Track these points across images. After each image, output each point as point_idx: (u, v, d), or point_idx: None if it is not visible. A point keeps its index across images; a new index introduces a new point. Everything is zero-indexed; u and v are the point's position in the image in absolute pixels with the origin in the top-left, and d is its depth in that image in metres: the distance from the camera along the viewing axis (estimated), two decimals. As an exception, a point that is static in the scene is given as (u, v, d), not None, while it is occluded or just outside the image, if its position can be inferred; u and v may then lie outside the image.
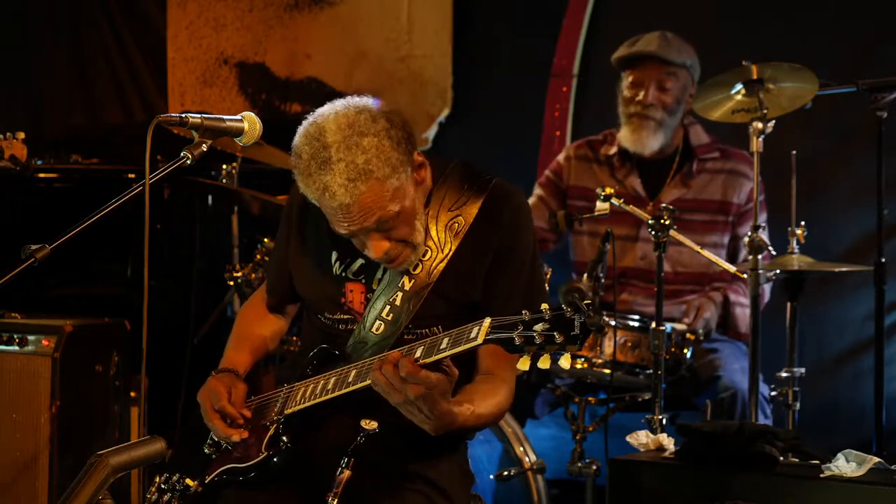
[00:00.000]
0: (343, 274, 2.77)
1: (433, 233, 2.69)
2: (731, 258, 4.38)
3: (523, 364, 2.28)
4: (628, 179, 4.45)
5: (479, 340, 2.33)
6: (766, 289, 4.31)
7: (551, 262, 4.34)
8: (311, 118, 2.59)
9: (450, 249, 2.67)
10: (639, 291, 4.38)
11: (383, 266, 2.70)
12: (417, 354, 2.43)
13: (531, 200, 4.58)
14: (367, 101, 2.59)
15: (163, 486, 2.79)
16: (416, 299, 2.66)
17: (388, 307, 2.68)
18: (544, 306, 2.26)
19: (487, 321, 2.33)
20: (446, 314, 2.66)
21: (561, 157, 4.63)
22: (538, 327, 2.25)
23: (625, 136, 4.41)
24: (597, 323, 2.22)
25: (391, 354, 2.45)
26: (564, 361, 2.26)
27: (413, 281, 2.67)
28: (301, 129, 2.59)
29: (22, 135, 4.00)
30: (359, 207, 2.52)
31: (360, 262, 2.75)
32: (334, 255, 2.78)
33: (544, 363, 2.26)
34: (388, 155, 2.52)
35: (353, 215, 2.54)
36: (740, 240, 4.25)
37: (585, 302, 2.23)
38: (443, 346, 2.40)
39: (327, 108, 2.59)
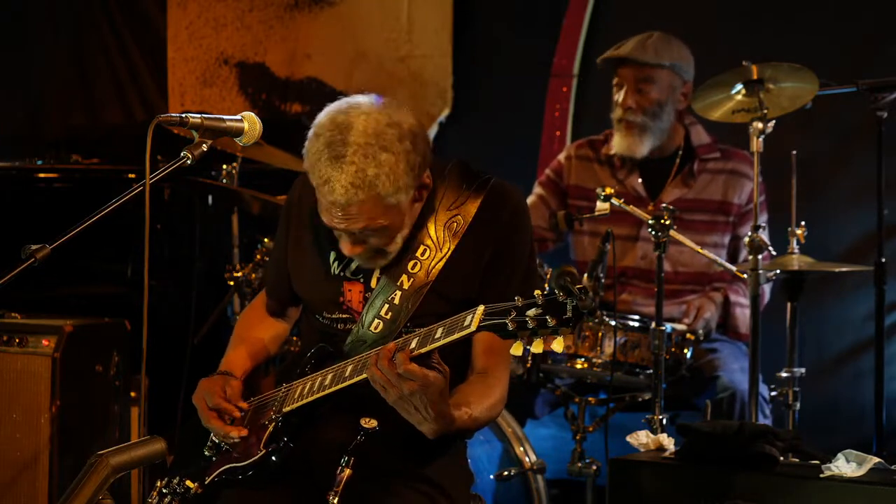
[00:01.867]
0: (341, 273, 2.77)
1: (432, 232, 2.69)
2: (732, 258, 4.38)
3: (516, 349, 2.29)
4: (629, 179, 4.46)
5: (473, 328, 2.34)
6: (766, 289, 4.31)
7: (551, 262, 4.34)
8: (346, 103, 2.58)
9: (448, 249, 2.68)
10: (638, 291, 4.38)
11: (389, 260, 2.71)
12: (413, 345, 2.44)
13: (531, 199, 4.58)
14: (406, 117, 2.56)
15: (164, 490, 2.79)
16: (414, 298, 2.66)
17: (386, 306, 2.68)
18: (537, 292, 2.28)
19: (481, 308, 2.34)
20: (445, 313, 2.64)
21: (562, 157, 4.63)
22: (531, 312, 2.26)
23: (616, 142, 4.42)
24: (589, 305, 2.24)
25: (386, 347, 2.46)
26: (557, 345, 2.27)
27: (412, 280, 2.68)
28: (332, 109, 2.57)
29: None
30: (350, 211, 2.54)
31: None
32: (332, 255, 2.78)
33: (537, 348, 2.27)
34: (398, 176, 2.52)
35: (343, 214, 2.55)
36: (741, 240, 4.25)
37: (577, 286, 2.24)
38: (437, 335, 2.41)
39: (365, 103, 2.57)
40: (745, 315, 4.24)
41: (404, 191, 2.56)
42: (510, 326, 2.28)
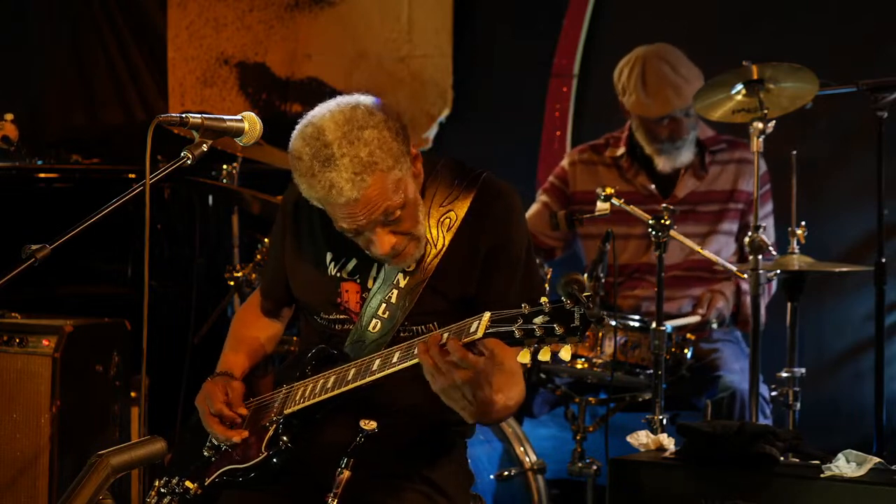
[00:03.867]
0: (338, 274, 2.76)
1: (426, 229, 2.69)
2: (742, 248, 4.40)
3: (523, 357, 2.27)
4: (638, 179, 4.48)
5: (479, 335, 2.32)
6: (773, 280, 4.31)
7: (552, 263, 4.34)
8: (305, 120, 2.57)
9: (443, 245, 2.67)
10: (650, 286, 4.38)
11: (378, 264, 2.70)
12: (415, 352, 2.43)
13: (536, 207, 4.60)
14: (359, 97, 2.57)
15: (162, 490, 2.79)
16: (411, 296, 2.66)
17: (383, 305, 2.68)
18: (543, 299, 2.26)
19: (487, 315, 2.32)
20: (442, 310, 2.66)
21: (565, 163, 4.63)
22: (538, 320, 2.24)
23: (664, 164, 4.44)
24: (596, 314, 2.22)
25: (433, 336, 2.41)
26: (565, 353, 2.24)
27: (408, 277, 2.67)
28: (297, 133, 2.57)
29: (10, 116, 4.00)
30: (365, 201, 2.51)
31: (354, 261, 2.74)
32: (329, 256, 2.77)
33: (545, 356, 2.25)
34: (389, 146, 2.52)
35: (360, 210, 2.52)
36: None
37: (585, 294, 2.22)
38: (442, 342, 2.39)
39: (320, 109, 2.57)
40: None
41: (402, 159, 2.54)
42: (517, 334, 2.26)
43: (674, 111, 4.34)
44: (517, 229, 2.72)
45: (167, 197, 4.85)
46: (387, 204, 2.53)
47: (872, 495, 2.83)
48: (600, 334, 3.91)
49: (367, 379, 2.53)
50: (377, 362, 2.53)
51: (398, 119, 2.58)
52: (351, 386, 2.57)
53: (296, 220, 2.83)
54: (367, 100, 2.57)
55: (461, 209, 2.69)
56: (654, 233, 3.69)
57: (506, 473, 3.88)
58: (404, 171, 2.55)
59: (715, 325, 4.20)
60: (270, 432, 2.67)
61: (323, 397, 2.62)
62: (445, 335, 2.39)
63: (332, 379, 2.62)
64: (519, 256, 2.71)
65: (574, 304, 2.22)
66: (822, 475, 2.90)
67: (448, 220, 2.69)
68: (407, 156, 2.57)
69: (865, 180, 4.24)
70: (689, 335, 4.10)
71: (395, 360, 2.49)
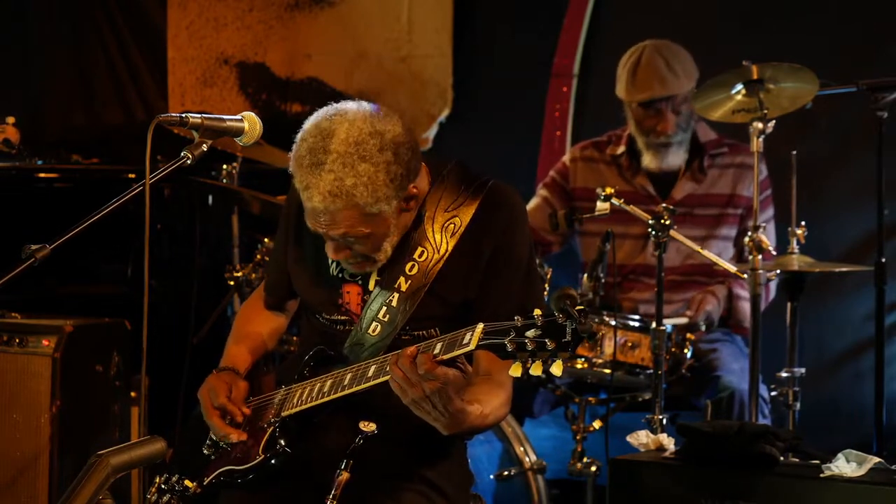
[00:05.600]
0: (340, 275, 2.76)
1: (429, 234, 2.68)
2: (741, 252, 4.40)
3: (515, 370, 2.26)
4: (637, 178, 4.47)
5: (472, 346, 2.33)
6: (772, 285, 4.31)
7: (551, 262, 4.34)
8: (334, 109, 2.57)
9: (446, 250, 2.67)
10: (646, 288, 4.38)
11: (381, 266, 2.70)
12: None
13: (535, 202, 4.59)
14: (388, 126, 2.54)
15: (162, 487, 2.79)
16: (412, 300, 2.66)
17: (384, 308, 2.68)
18: (537, 312, 2.25)
19: (480, 327, 2.33)
20: (443, 315, 2.65)
21: (566, 159, 4.63)
22: (530, 333, 2.23)
23: (650, 161, 4.43)
24: (588, 329, 2.21)
25: (406, 350, 2.44)
26: (556, 368, 2.23)
27: (410, 282, 2.67)
28: (320, 114, 2.58)
29: (12, 119, 4.02)
30: (330, 218, 2.54)
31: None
32: (331, 257, 2.78)
33: (536, 370, 2.24)
34: (376, 187, 2.51)
35: (322, 221, 2.55)
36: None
37: (577, 308, 2.22)
38: (436, 351, 2.40)
39: (351, 110, 2.56)
40: (748, 309, 4.25)
41: (385, 201, 2.54)
42: (509, 347, 2.25)
43: (653, 97, 4.33)
44: (520, 236, 2.72)
45: (167, 197, 4.86)
46: (347, 230, 2.55)
47: (872, 495, 2.83)
48: (600, 334, 3.91)
49: (363, 385, 2.53)
50: (373, 369, 2.54)
51: (407, 164, 2.55)
52: (347, 391, 2.57)
53: (299, 220, 2.83)
54: (392, 132, 2.54)
55: (466, 215, 2.69)
56: (654, 232, 3.69)
57: (506, 473, 3.88)
58: (383, 210, 2.55)
59: (703, 328, 4.19)
60: (268, 434, 2.66)
61: (319, 401, 2.62)
62: (418, 349, 2.41)
63: (328, 383, 2.62)
64: (521, 261, 2.70)
65: (566, 318, 2.22)
66: (822, 475, 2.90)
67: (452, 225, 2.69)
68: (395, 199, 2.56)
69: (865, 180, 4.24)
70: (688, 335, 4.10)
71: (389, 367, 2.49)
